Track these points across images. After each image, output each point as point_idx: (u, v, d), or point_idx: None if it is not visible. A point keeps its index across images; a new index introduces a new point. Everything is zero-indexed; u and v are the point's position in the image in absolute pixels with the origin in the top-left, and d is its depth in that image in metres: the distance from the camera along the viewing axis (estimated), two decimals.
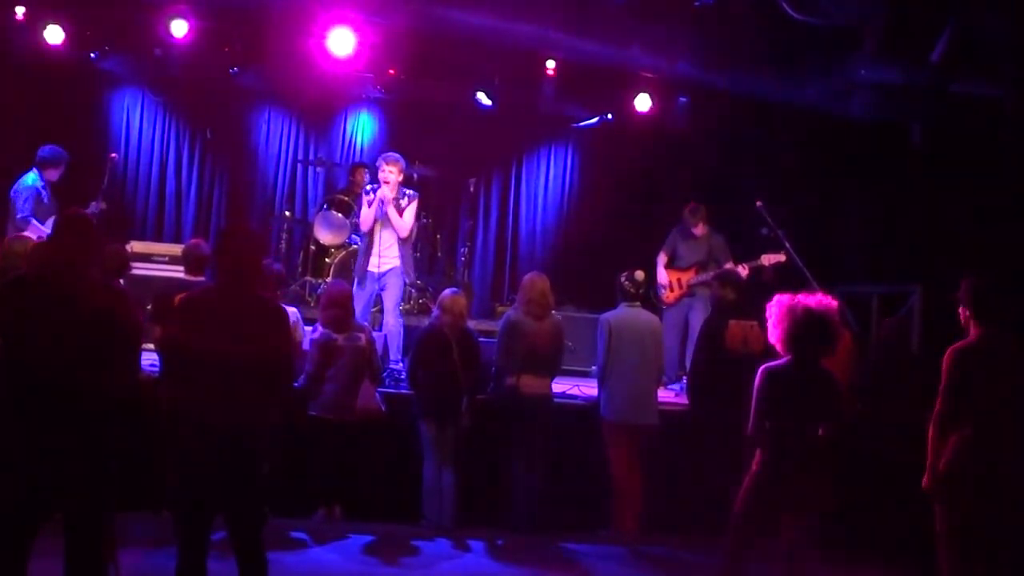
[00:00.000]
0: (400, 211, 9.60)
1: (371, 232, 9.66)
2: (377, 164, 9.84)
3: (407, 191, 9.80)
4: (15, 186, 9.81)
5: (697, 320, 10.03)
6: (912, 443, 6.95)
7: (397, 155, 9.81)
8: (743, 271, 9.93)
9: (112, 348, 4.77)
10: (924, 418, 6.00)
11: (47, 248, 4.95)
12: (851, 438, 6.66)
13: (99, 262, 5.01)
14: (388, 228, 9.62)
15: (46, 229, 9.57)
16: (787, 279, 8.95)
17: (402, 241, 9.64)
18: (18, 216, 9.54)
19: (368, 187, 10.02)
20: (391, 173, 9.57)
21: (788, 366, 5.54)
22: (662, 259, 10.44)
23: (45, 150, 10.02)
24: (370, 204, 9.65)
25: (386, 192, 9.53)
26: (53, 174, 9.93)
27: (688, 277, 10.34)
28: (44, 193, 9.79)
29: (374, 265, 9.60)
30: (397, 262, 9.62)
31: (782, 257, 9.81)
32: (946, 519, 5.79)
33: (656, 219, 10.77)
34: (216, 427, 4.88)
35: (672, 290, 10.31)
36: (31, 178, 9.74)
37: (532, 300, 8.29)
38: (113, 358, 4.78)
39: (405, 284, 9.91)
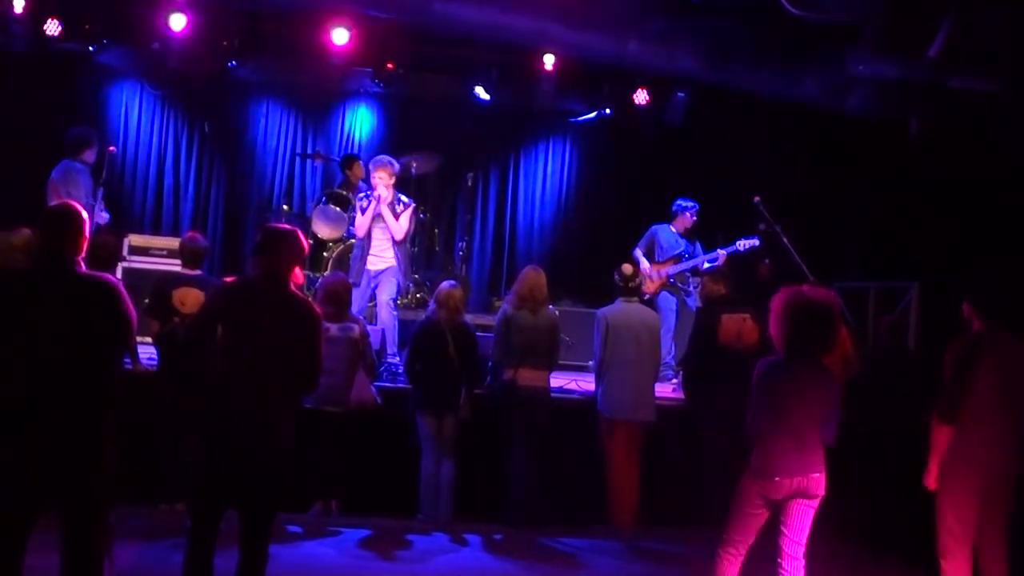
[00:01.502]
0: (396, 215, 9.62)
1: (367, 234, 9.70)
2: (370, 168, 9.85)
3: (403, 198, 9.81)
4: (53, 174, 9.71)
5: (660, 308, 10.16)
6: (910, 439, 6.97)
7: (388, 159, 9.81)
8: (722, 257, 10.04)
9: (105, 340, 4.78)
10: (921, 414, 6.00)
11: (35, 241, 4.95)
12: (848, 434, 6.65)
13: (89, 253, 5.01)
14: (383, 230, 9.65)
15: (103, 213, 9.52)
16: (784, 275, 8.95)
17: (397, 243, 9.65)
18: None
19: (362, 193, 10.04)
20: (381, 179, 9.60)
21: (787, 361, 5.53)
22: (639, 253, 10.49)
23: (69, 133, 9.95)
24: (363, 211, 9.67)
25: (383, 192, 9.55)
26: (89, 155, 9.82)
27: (667, 268, 10.39)
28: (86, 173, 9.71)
29: (371, 264, 9.66)
30: (392, 262, 9.66)
31: (756, 242, 9.94)
32: (945, 513, 5.80)
33: (654, 214, 10.77)
34: (250, 423, 4.95)
35: (652, 280, 10.36)
36: (66, 163, 9.64)
37: (527, 294, 8.29)
38: (106, 350, 4.80)
39: (400, 283, 9.92)
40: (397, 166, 9.82)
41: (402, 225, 9.65)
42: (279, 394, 5.07)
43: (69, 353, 4.65)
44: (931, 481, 5.87)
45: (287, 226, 5.37)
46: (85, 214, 4.93)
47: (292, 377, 5.13)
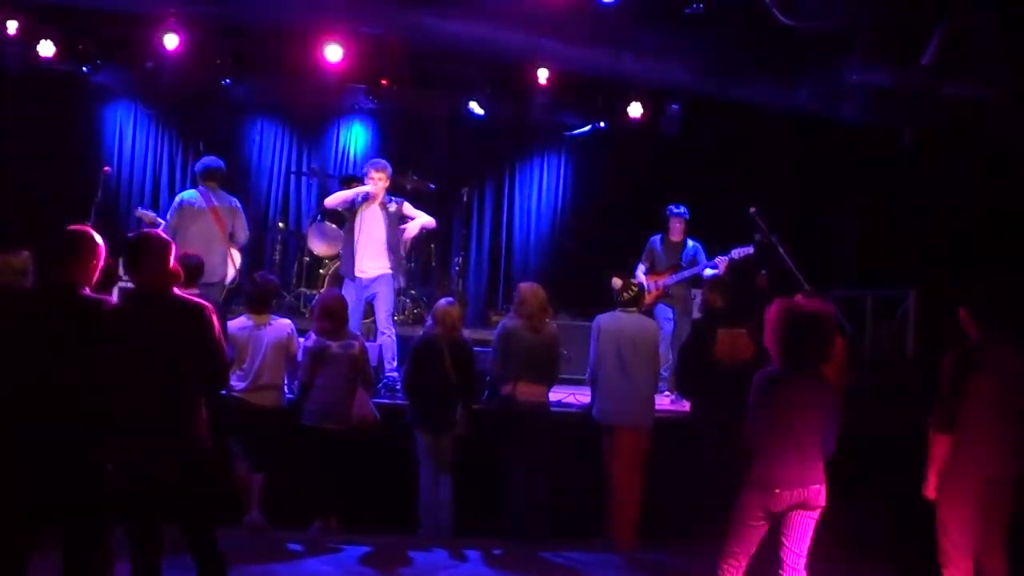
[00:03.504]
0: (391, 215, 9.58)
1: (354, 233, 9.58)
2: (364, 171, 9.81)
3: (393, 197, 9.77)
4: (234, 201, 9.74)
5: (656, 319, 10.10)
6: (908, 447, 6.96)
7: (384, 162, 9.78)
8: (723, 264, 9.99)
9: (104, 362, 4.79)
10: (920, 422, 5.99)
11: (48, 264, 4.95)
12: (847, 442, 6.64)
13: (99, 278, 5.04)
14: (376, 232, 9.59)
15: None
16: (782, 284, 8.95)
17: (390, 249, 9.59)
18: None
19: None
20: (380, 180, 9.55)
21: (784, 371, 5.52)
22: (641, 268, 10.47)
23: (200, 163, 9.94)
24: (351, 199, 9.65)
25: (369, 189, 9.54)
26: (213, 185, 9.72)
27: (663, 278, 10.37)
28: (196, 202, 9.57)
29: (360, 270, 9.55)
30: (387, 269, 9.56)
31: (751, 249, 9.91)
32: (946, 522, 5.78)
33: (649, 226, 10.77)
34: (146, 432, 4.90)
35: (649, 293, 10.34)
36: (188, 193, 9.64)
37: (531, 312, 8.26)
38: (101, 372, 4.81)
39: (396, 291, 9.85)
40: (390, 170, 9.77)
41: (418, 216, 9.78)
42: (183, 402, 5.00)
43: (67, 375, 4.66)
44: (930, 491, 5.86)
45: (153, 232, 5.30)
46: (99, 239, 4.96)
47: (196, 381, 5.06)
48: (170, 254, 5.16)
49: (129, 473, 4.92)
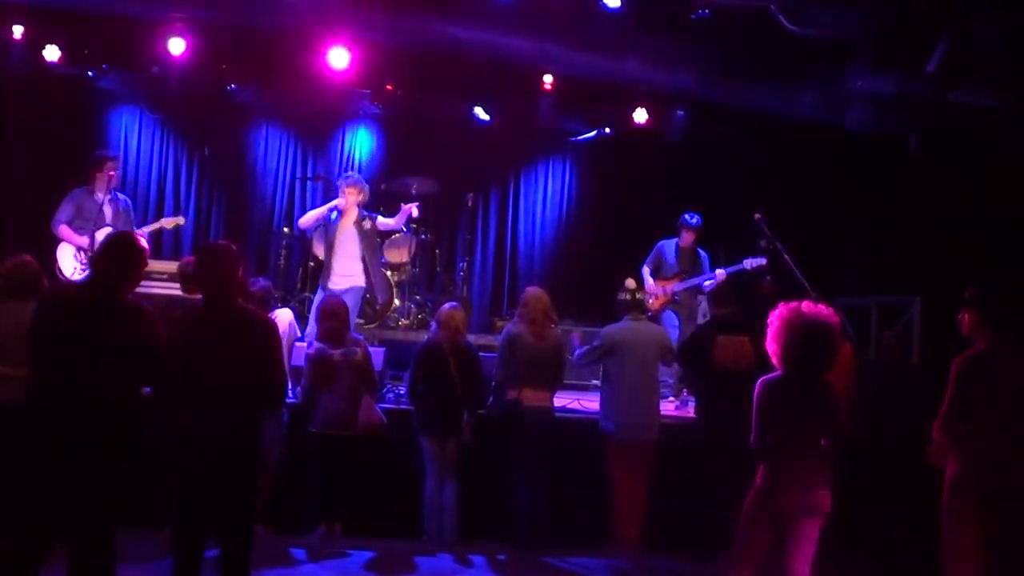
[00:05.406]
0: (366, 232, 9.75)
1: (332, 247, 9.75)
2: (338, 184, 10.04)
3: (368, 213, 9.93)
4: None
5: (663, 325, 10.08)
6: (914, 454, 6.96)
7: (358, 178, 10.05)
8: (721, 276, 9.96)
9: (136, 367, 4.82)
10: (925, 430, 5.98)
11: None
12: (852, 450, 6.65)
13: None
14: (349, 246, 9.72)
15: (79, 238, 9.47)
16: (786, 291, 8.93)
17: (364, 261, 9.72)
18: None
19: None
20: (351, 196, 9.77)
21: (788, 379, 5.52)
22: (647, 270, 10.48)
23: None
24: (323, 217, 9.83)
25: (340, 203, 9.74)
26: (99, 180, 9.78)
27: (671, 284, 10.36)
28: (89, 200, 9.70)
29: (332, 283, 9.66)
30: (360, 282, 9.71)
31: (763, 261, 9.87)
32: (953, 529, 5.77)
33: (655, 232, 10.76)
34: (208, 442, 4.91)
35: (657, 298, 10.33)
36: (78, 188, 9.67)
37: (535, 317, 8.25)
38: (136, 377, 4.86)
39: (364, 300, 10.09)
40: (364, 185, 9.94)
41: (388, 222, 9.98)
42: (242, 414, 5.03)
43: (100, 379, 4.76)
44: (937, 457, 5.86)
45: (221, 242, 5.34)
46: (144, 244, 5.14)
47: (255, 394, 5.07)
48: (239, 264, 5.23)
49: (195, 478, 4.96)
